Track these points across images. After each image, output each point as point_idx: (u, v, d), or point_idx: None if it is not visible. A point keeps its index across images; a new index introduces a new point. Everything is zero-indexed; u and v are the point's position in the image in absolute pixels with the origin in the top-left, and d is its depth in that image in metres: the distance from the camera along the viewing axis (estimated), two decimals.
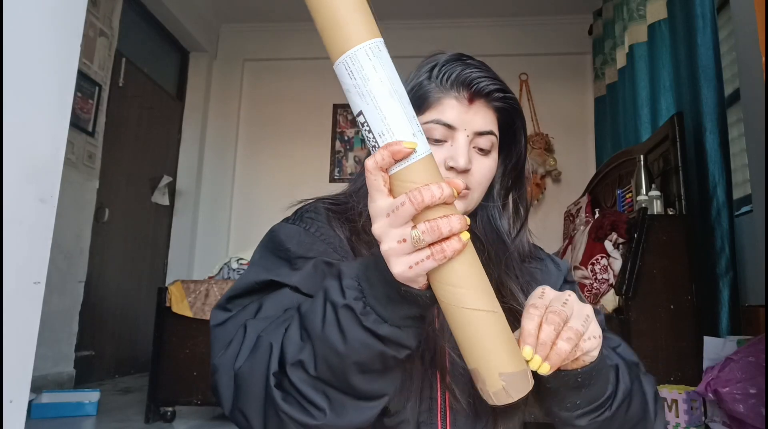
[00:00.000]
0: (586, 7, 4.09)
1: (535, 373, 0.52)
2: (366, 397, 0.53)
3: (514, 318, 0.69)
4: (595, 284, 2.18)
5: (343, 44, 0.47)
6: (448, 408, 0.66)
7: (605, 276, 2.17)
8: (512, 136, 0.76)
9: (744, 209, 2.46)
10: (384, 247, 0.47)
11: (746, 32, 2.11)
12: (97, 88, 3.31)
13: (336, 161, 4.48)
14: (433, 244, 0.45)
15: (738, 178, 2.58)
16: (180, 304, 2.29)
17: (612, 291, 2.11)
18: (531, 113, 4.29)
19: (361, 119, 0.48)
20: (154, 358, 2.30)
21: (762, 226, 2.03)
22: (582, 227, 2.57)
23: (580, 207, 3.15)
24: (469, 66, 0.71)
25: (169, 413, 2.35)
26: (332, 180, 4.43)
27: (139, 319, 3.78)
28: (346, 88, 0.48)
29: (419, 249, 0.46)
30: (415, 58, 0.74)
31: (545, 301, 0.54)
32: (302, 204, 0.75)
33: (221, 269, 2.66)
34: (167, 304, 2.31)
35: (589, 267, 2.23)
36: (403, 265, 0.46)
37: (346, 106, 4.36)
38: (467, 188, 0.70)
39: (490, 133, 0.71)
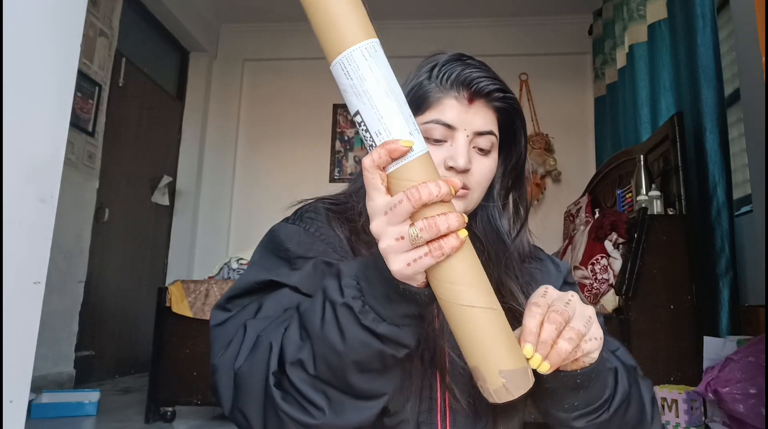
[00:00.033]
0: (586, 7, 4.09)
1: (534, 372, 0.52)
2: (365, 397, 0.53)
3: (514, 318, 0.69)
4: (595, 284, 2.18)
5: (339, 45, 0.48)
6: (447, 408, 0.66)
7: (605, 276, 2.17)
8: (512, 136, 0.76)
9: (744, 209, 2.46)
10: (382, 245, 0.47)
11: (746, 32, 2.11)
12: (97, 88, 3.31)
13: (336, 161, 4.48)
14: (431, 241, 0.46)
15: (738, 178, 2.58)
16: (180, 304, 2.29)
17: (612, 291, 2.11)
18: (531, 113, 4.29)
19: (358, 119, 0.48)
20: (154, 358, 2.30)
21: (762, 226, 2.03)
22: (582, 227, 2.57)
23: (580, 207, 3.15)
24: (469, 66, 0.71)
25: (169, 413, 2.35)
26: (332, 180, 4.43)
27: (139, 319, 3.78)
28: (342, 89, 0.49)
29: (417, 246, 0.46)
30: (415, 58, 0.74)
31: (548, 300, 0.54)
32: (302, 204, 0.75)
33: (221, 269, 2.66)
34: (167, 304, 2.31)
35: (589, 267, 2.23)
36: (401, 263, 0.46)
37: (346, 106, 4.35)
38: (467, 188, 0.70)
39: (490, 133, 0.71)
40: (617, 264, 2.16)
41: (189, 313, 2.28)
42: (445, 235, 0.46)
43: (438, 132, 0.69)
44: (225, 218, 4.46)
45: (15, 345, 0.80)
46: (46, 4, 0.90)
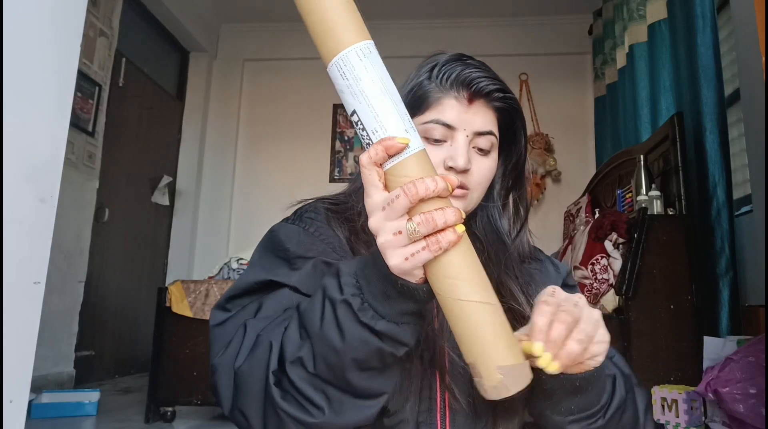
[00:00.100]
0: (586, 7, 4.09)
1: (534, 373, 0.52)
2: (364, 396, 0.53)
3: (514, 318, 0.69)
4: (595, 284, 2.18)
5: (335, 47, 0.49)
6: (447, 408, 0.66)
7: (605, 276, 2.17)
8: (512, 136, 0.76)
9: (744, 209, 2.46)
10: (380, 240, 0.48)
11: (746, 32, 2.11)
12: (97, 88, 3.31)
13: (336, 161, 4.48)
14: (428, 236, 0.46)
15: (738, 178, 2.58)
16: (180, 304, 2.29)
17: (612, 291, 2.11)
18: (531, 113, 4.29)
19: (354, 118, 0.49)
20: (154, 358, 2.30)
21: (762, 226, 2.03)
22: (582, 227, 2.57)
23: (580, 207, 3.15)
24: (469, 66, 0.71)
25: (169, 413, 2.35)
26: (332, 180, 4.43)
27: (139, 319, 3.78)
28: (339, 89, 0.50)
29: (415, 241, 0.46)
30: (415, 58, 0.74)
31: (557, 300, 0.53)
32: (302, 204, 0.75)
33: (221, 269, 2.66)
34: (167, 304, 2.31)
35: (589, 267, 2.23)
36: (399, 257, 0.47)
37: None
38: (467, 188, 0.70)
39: (490, 133, 0.71)
40: (617, 264, 2.16)
41: (189, 313, 2.28)
42: (442, 230, 0.46)
43: (438, 132, 0.69)
44: (225, 218, 4.46)
45: (15, 345, 0.80)
46: (46, 4, 0.90)
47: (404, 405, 0.64)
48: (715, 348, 1.92)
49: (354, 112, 0.49)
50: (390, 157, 0.47)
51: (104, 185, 3.42)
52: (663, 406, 1.86)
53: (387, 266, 0.48)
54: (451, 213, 0.46)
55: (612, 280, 2.15)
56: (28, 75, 0.86)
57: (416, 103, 0.70)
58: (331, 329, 0.50)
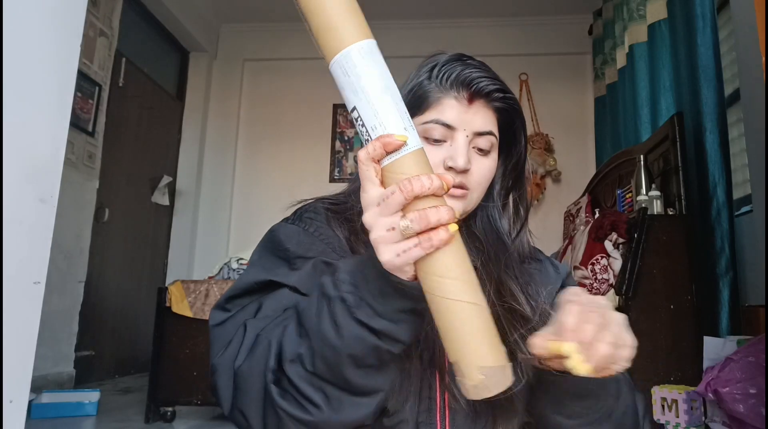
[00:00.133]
0: (586, 7, 4.09)
1: (533, 373, 0.52)
2: (362, 393, 0.53)
3: (514, 318, 0.69)
4: (595, 284, 2.18)
5: (338, 45, 0.50)
6: (447, 408, 0.66)
7: (605, 276, 2.17)
8: (512, 136, 0.76)
9: (744, 209, 2.46)
10: (373, 236, 0.48)
11: (746, 32, 2.11)
12: (97, 88, 3.31)
13: (336, 161, 4.48)
14: (421, 233, 0.46)
15: (738, 178, 2.58)
16: (180, 304, 2.29)
17: (612, 291, 2.11)
18: (531, 113, 4.29)
19: (354, 115, 0.50)
20: (154, 358, 2.30)
21: (762, 226, 2.03)
22: (582, 227, 2.57)
23: (580, 207, 3.15)
24: (469, 66, 0.71)
25: (169, 413, 2.35)
26: (332, 180, 4.43)
27: (139, 319, 3.78)
28: (340, 86, 0.51)
29: (407, 237, 0.46)
30: (415, 58, 0.74)
31: (583, 300, 0.53)
32: (302, 204, 0.75)
33: (221, 269, 2.66)
34: (167, 304, 2.32)
35: (589, 267, 2.23)
36: (390, 253, 0.47)
37: (346, 106, 4.36)
38: (467, 188, 0.70)
39: (490, 133, 0.71)
40: (617, 264, 2.16)
41: (189, 313, 2.28)
42: (435, 228, 0.46)
43: (438, 132, 0.69)
44: (225, 218, 4.46)
45: (15, 345, 0.80)
46: (46, 4, 0.90)
47: (404, 405, 0.64)
48: (715, 348, 1.92)
49: (354, 108, 0.50)
50: (388, 153, 0.48)
51: (104, 185, 3.42)
52: (663, 406, 1.86)
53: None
54: (445, 211, 0.46)
55: (612, 280, 2.15)
56: (28, 75, 0.86)
57: (416, 102, 0.70)
58: (328, 326, 0.50)
